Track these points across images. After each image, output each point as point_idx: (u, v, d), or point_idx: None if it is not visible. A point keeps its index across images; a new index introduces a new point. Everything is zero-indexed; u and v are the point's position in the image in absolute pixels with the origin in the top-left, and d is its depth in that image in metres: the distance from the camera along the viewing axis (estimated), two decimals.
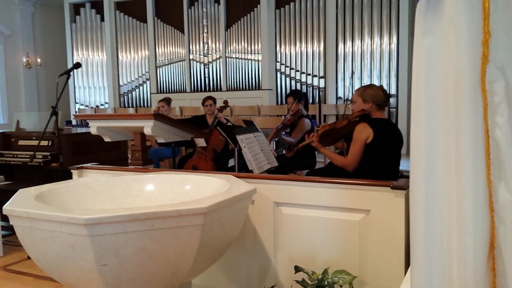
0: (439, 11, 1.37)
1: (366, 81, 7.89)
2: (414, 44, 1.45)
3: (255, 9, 8.66)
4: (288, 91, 8.53)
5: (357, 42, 7.95)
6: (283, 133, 4.99)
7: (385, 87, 7.67)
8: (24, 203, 1.97)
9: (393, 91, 7.73)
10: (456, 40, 1.32)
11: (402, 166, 3.37)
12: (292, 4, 8.46)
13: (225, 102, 5.46)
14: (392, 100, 7.71)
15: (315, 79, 8.38)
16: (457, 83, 1.33)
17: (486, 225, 1.32)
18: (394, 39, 7.65)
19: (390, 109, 7.69)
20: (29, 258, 3.50)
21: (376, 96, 3.12)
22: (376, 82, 7.79)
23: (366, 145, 3.03)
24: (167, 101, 6.34)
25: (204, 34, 9.24)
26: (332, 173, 3.20)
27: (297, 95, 4.96)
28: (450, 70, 1.34)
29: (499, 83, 1.29)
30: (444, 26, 1.35)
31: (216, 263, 2.45)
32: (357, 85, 7.97)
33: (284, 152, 3.73)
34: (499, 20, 1.30)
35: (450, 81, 1.35)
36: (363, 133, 3.02)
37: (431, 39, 1.39)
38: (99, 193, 2.50)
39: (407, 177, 2.40)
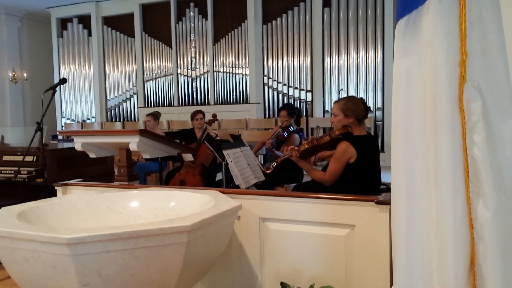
0: (417, 32, 1.40)
1: (352, 95, 7.96)
2: (394, 64, 1.48)
3: (243, 24, 8.73)
4: (276, 104, 8.57)
5: (343, 56, 8.04)
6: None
7: (371, 100, 7.78)
8: (5, 222, 1.94)
9: (379, 104, 7.82)
10: (434, 60, 1.35)
11: (388, 178, 3.37)
12: (279, 19, 8.54)
13: (214, 115, 5.48)
14: (378, 114, 7.79)
15: (302, 92, 8.43)
16: (435, 102, 1.36)
17: (466, 242, 1.34)
18: (380, 53, 7.75)
19: (376, 122, 7.76)
20: (10, 277, 3.44)
21: (357, 110, 3.12)
22: (362, 95, 7.87)
23: (349, 164, 3.03)
24: (155, 115, 6.32)
25: (192, 49, 9.27)
26: (319, 187, 3.21)
27: (291, 110, 4.97)
28: (428, 90, 1.37)
29: (476, 103, 1.32)
30: (422, 47, 1.38)
31: (201, 280, 2.43)
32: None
33: (264, 168, 3.65)
34: (475, 41, 1.33)
35: (428, 101, 1.37)
36: (346, 154, 3.02)
37: (410, 60, 1.42)
38: (83, 210, 2.48)
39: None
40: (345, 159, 3.02)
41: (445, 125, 1.34)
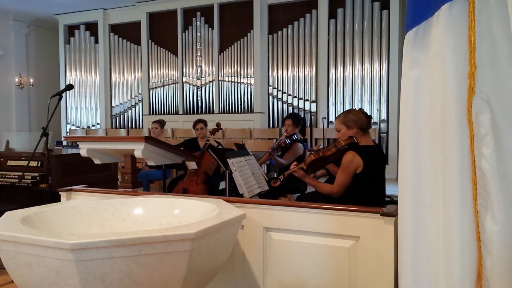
0: (426, 43, 1.40)
1: (357, 107, 7.96)
2: (402, 75, 1.48)
3: (248, 34, 8.78)
4: (280, 114, 8.59)
5: (348, 68, 8.06)
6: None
7: (375, 112, 7.78)
8: (9, 227, 1.93)
9: (383, 116, 7.81)
10: (443, 72, 1.35)
11: (393, 191, 3.36)
12: (284, 29, 8.59)
13: (218, 124, 5.47)
14: (382, 125, 7.78)
15: (307, 103, 8.45)
16: (444, 114, 1.35)
17: (474, 255, 1.33)
18: (385, 65, 7.77)
19: (381, 134, 7.75)
20: (12, 281, 3.42)
21: (358, 120, 3.10)
22: (366, 107, 7.87)
23: (355, 174, 3.01)
24: (161, 123, 6.34)
25: (198, 58, 9.32)
26: (322, 197, 3.19)
27: (296, 119, 4.97)
28: (437, 102, 1.37)
29: (485, 115, 1.31)
30: (431, 59, 1.38)
31: None
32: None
33: (271, 182, 3.53)
34: (484, 53, 1.33)
35: (437, 112, 1.37)
36: (353, 164, 2.98)
37: (418, 71, 1.41)
38: (87, 216, 2.47)
39: (397, 202, 2.41)
40: (352, 169, 2.99)
41: (453, 137, 1.33)
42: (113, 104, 10.49)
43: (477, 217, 1.32)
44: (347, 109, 7.99)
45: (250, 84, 8.81)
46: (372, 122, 3.22)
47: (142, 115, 10.03)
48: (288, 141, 4.87)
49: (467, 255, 1.32)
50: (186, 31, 9.43)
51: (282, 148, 4.95)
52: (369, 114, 3.25)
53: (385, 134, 7.76)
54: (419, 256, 1.42)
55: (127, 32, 10.25)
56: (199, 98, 9.38)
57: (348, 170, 3.00)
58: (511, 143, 1.30)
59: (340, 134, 3.17)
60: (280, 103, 8.69)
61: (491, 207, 1.30)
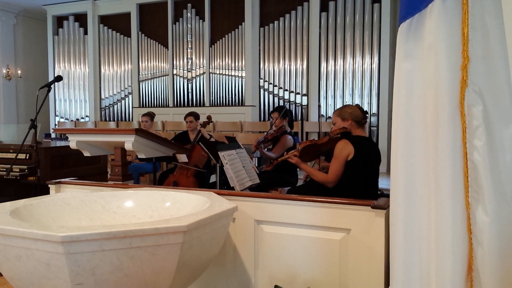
0: (419, 36, 1.40)
1: (348, 100, 7.99)
2: (395, 67, 1.47)
3: (240, 26, 8.73)
4: (271, 107, 8.57)
5: (340, 61, 8.06)
6: (266, 149, 4.98)
7: (366, 105, 7.80)
8: None
9: (374, 110, 7.84)
10: (436, 64, 1.35)
11: (383, 184, 3.40)
12: (276, 22, 8.56)
13: (209, 117, 5.45)
14: (373, 119, 7.81)
15: (298, 96, 8.44)
16: (436, 106, 1.35)
17: (464, 247, 1.33)
18: (376, 59, 7.78)
19: (371, 128, 7.78)
20: (1, 275, 3.38)
21: (354, 113, 3.19)
22: (357, 101, 7.90)
23: (347, 162, 3.06)
24: (151, 116, 6.31)
25: (188, 50, 9.25)
26: (313, 190, 3.21)
27: (282, 112, 4.97)
28: (429, 94, 1.37)
29: (477, 107, 1.32)
30: (424, 51, 1.38)
31: (194, 282, 2.41)
32: (339, 103, 8.06)
33: (264, 166, 3.68)
34: (477, 46, 1.33)
35: (429, 104, 1.37)
36: (344, 150, 3.05)
37: (412, 63, 1.41)
38: (77, 209, 2.45)
39: (387, 196, 2.42)
40: (344, 155, 3.05)
41: (446, 129, 1.34)
42: (103, 97, 10.40)
43: (469, 209, 1.33)
44: (337, 102, 8.03)
45: (241, 77, 8.78)
46: (367, 117, 3.29)
47: (132, 107, 9.96)
48: (278, 134, 4.85)
49: (458, 247, 1.33)
50: (177, 23, 9.36)
51: (270, 140, 4.93)
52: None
53: (376, 128, 7.79)
54: (410, 248, 1.43)
55: (116, 23, 10.14)
56: (189, 90, 9.34)
57: (340, 157, 3.06)
58: (502, 136, 1.31)
59: (335, 126, 3.24)
60: (271, 96, 8.67)
61: (482, 199, 1.31)
